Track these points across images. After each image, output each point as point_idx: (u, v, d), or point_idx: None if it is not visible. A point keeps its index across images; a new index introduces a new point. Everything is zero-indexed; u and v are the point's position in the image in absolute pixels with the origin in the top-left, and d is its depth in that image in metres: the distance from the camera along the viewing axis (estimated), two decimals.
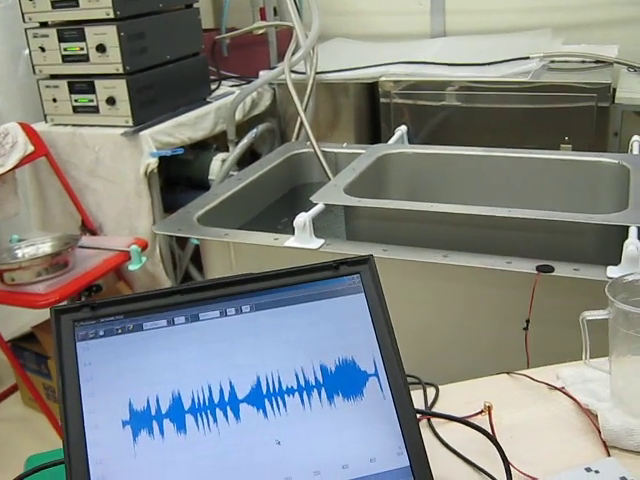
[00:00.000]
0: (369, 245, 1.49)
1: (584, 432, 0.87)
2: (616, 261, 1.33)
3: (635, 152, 1.83)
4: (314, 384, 0.76)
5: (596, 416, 0.87)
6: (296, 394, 0.75)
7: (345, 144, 2.15)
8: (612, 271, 1.31)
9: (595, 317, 0.88)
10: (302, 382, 0.76)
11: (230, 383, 0.75)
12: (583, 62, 2.52)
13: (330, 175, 2.04)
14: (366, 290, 0.81)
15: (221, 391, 0.75)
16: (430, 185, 1.92)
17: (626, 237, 1.34)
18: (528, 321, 1.35)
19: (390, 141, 2.03)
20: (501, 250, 1.42)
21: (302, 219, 1.49)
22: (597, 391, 0.93)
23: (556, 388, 0.95)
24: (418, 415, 0.81)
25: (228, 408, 0.74)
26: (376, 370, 0.77)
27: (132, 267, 2.28)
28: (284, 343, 0.77)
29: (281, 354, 0.77)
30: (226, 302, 0.78)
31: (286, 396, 0.75)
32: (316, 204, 1.58)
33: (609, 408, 0.89)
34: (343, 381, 0.76)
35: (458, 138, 2.47)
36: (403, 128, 2.09)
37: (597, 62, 2.51)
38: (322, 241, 1.51)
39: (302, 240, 1.50)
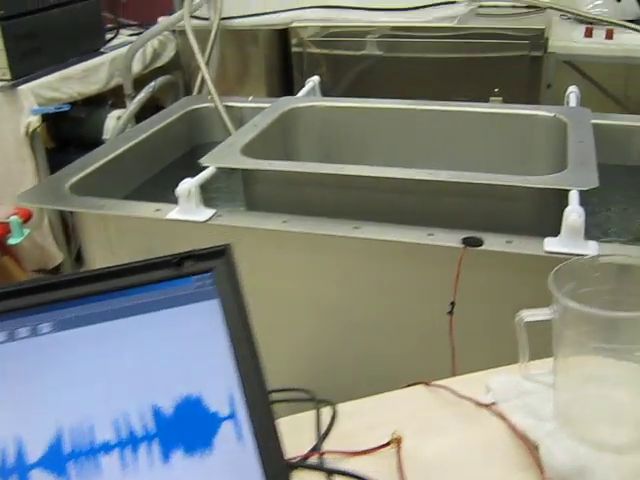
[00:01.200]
0: (268, 215, 1.25)
1: (522, 467, 0.67)
2: (555, 232, 1.12)
3: (572, 104, 1.63)
4: (143, 435, 0.53)
5: (537, 446, 0.67)
6: (115, 451, 0.52)
7: (251, 97, 1.90)
8: (550, 243, 1.10)
9: (536, 318, 0.67)
10: (124, 433, 0.52)
11: (19, 441, 0.51)
12: (514, 7, 2.31)
13: (233, 133, 1.79)
14: (221, 294, 0.58)
15: (4, 454, 0.51)
16: (346, 144, 1.69)
17: (566, 203, 1.14)
18: (453, 304, 1.14)
19: (300, 93, 1.78)
20: (423, 219, 1.20)
21: (186, 186, 1.25)
22: (537, 408, 0.72)
23: (485, 405, 0.74)
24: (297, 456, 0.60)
25: (14, 479, 0.50)
26: (233, 410, 0.54)
27: (12, 241, 1.99)
28: (99, 378, 0.54)
29: (94, 394, 0.53)
30: (16, 319, 0.54)
31: (101, 455, 0.52)
32: (206, 167, 1.34)
33: (553, 433, 0.68)
34: (185, 429, 0.53)
35: (381, 91, 2.25)
36: (315, 79, 1.84)
37: (529, 7, 2.30)
38: (212, 212, 1.27)
39: (187, 211, 1.26)
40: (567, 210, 1.10)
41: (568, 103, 1.65)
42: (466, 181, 1.21)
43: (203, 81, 2.09)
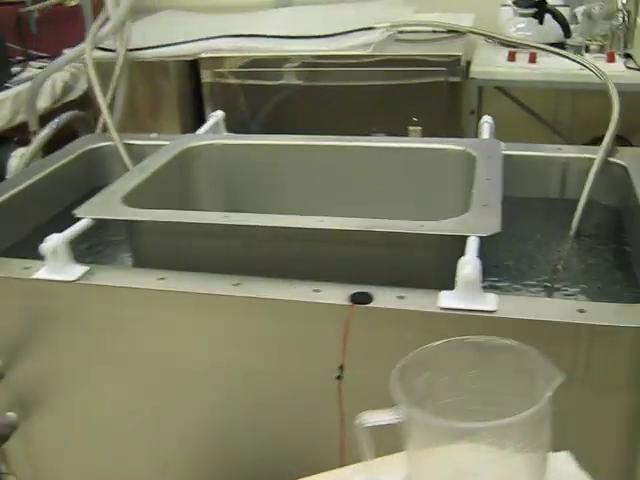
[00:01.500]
0: (144, 272, 1.15)
1: None
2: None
3: (484, 136, 1.55)
4: None
5: None
6: None
7: (154, 135, 1.78)
8: (446, 298, 1.01)
9: (379, 423, 0.56)
10: None
11: None
12: (434, 32, 2.24)
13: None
14: None
15: None
16: (251, 185, 1.58)
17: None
18: (342, 367, 1.04)
19: (200, 130, 1.67)
20: (314, 271, 1.10)
21: (52, 243, 1.13)
22: None
23: None
24: None
25: None
26: None
27: None
28: None
29: None
30: None
31: None
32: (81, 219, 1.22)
33: None
34: None
35: (299, 121, 2.16)
36: (219, 113, 1.73)
37: (449, 32, 2.23)
38: (84, 269, 1.15)
39: (54, 270, 1.14)
40: (461, 261, 1.00)
41: (481, 135, 1.57)
42: (357, 229, 1.11)
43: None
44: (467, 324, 0.99)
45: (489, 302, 0.99)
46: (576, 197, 1.50)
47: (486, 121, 1.59)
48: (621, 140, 1.56)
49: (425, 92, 1.99)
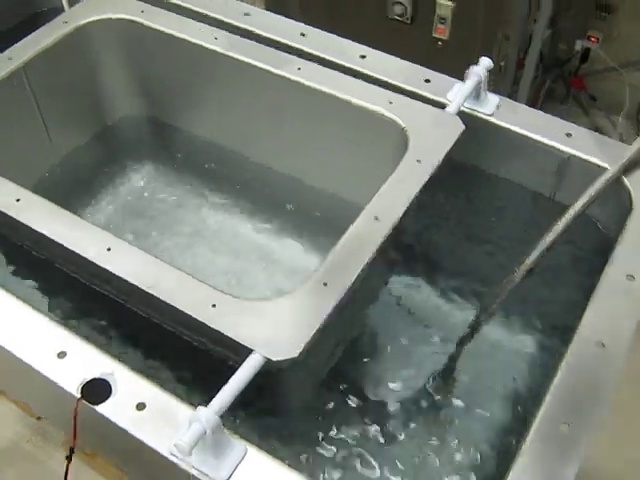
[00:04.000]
0: None
1: None
2: None
3: (461, 96, 1.10)
4: None
5: None
6: None
7: None
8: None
9: None
10: None
11: None
12: None
13: (66, 6, 1.37)
14: None
15: None
16: (167, 86, 1.29)
17: None
18: (72, 450, 0.88)
19: None
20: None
21: None
22: None
23: None
24: None
25: None
26: None
27: None
28: None
29: None
30: None
31: None
32: None
33: None
34: None
35: None
36: None
37: None
38: None
39: None
40: (193, 415, 0.73)
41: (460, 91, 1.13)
42: (137, 285, 0.86)
43: None
44: None
45: (228, 464, 0.76)
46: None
47: (475, 73, 1.12)
48: None
49: None
